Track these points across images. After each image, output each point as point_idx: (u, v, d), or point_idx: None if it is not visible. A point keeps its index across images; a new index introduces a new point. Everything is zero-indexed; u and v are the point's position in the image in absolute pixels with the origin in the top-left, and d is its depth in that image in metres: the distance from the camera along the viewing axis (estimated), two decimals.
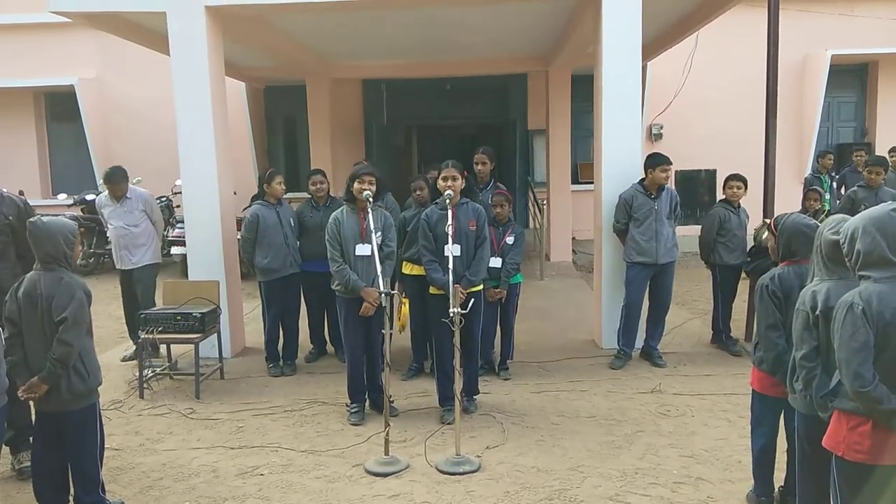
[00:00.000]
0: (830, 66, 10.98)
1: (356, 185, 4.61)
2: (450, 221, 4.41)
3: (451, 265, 4.30)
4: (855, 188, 6.99)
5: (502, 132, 12.86)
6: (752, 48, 9.56)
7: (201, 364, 5.43)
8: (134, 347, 6.09)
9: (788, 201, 6.60)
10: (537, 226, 10.37)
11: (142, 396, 5.33)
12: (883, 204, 2.51)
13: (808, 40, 11.02)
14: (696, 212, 11.23)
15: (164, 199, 10.89)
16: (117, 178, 6.06)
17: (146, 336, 5.32)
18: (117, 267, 6.30)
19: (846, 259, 2.51)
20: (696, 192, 11.69)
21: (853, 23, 11.03)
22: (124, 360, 6.24)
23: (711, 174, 11.53)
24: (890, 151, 8.76)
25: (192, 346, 5.35)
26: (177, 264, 10.08)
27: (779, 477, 3.41)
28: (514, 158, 12.17)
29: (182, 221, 9.46)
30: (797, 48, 10.90)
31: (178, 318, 5.36)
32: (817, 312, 2.68)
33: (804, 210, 6.33)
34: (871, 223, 2.42)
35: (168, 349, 5.88)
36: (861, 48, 11.08)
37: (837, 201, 8.70)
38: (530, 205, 11.66)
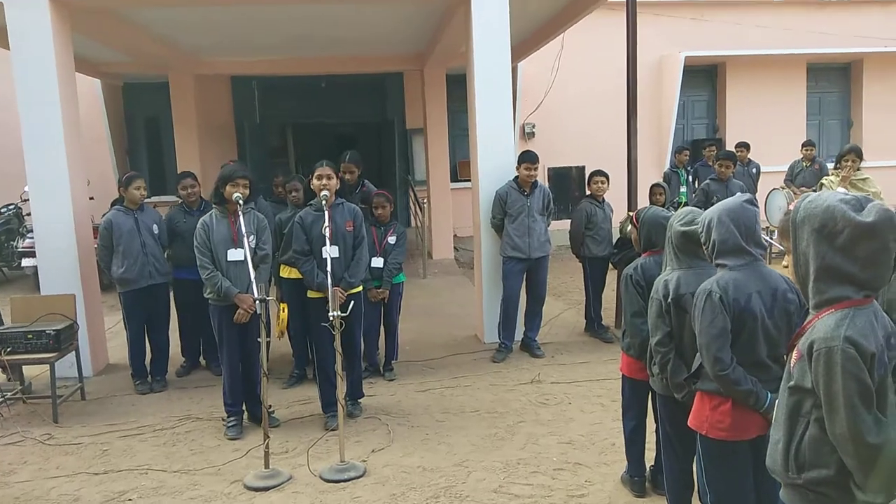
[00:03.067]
0: (684, 66, 11.78)
1: (229, 187, 4.40)
2: (326, 223, 4.31)
3: (329, 267, 4.20)
4: (707, 181, 7.54)
5: (381, 131, 12.79)
6: (613, 50, 10.06)
7: (59, 385, 5.00)
8: None
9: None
10: (419, 224, 10.40)
11: None
12: (736, 195, 2.69)
13: (663, 42, 11.77)
14: (567, 207, 11.69)
15: (12, 206, 9.98)
16: None
17: None
18: None
19: (703, 247, 2.67)
20: (567, 188, 12.19)
21: (704, 27, 11.93)
22: None
23: (581, 170, 12.04)
24: (737, 146, 9.53)
25: (47, 367, 4.91)
26: (28, 278, 9.25)
27: (650, 457, 3.60)
28: (393, 157, 12.15)
29: (33, 231, 8.72)
30: (654, 50, 11.62)
31: (30, 336, 4.92)
32: (669, 300, 2.84)
33: (651, 204, 6.70)
34: (725, 214, 2.57)
35: (20, 371, 5.35)
36: (711, 50, 11.98)
37: (693, 194, 9.36)
38: (411, 203, 11.69)
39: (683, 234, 2.92)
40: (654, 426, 3.49)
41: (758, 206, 2.67)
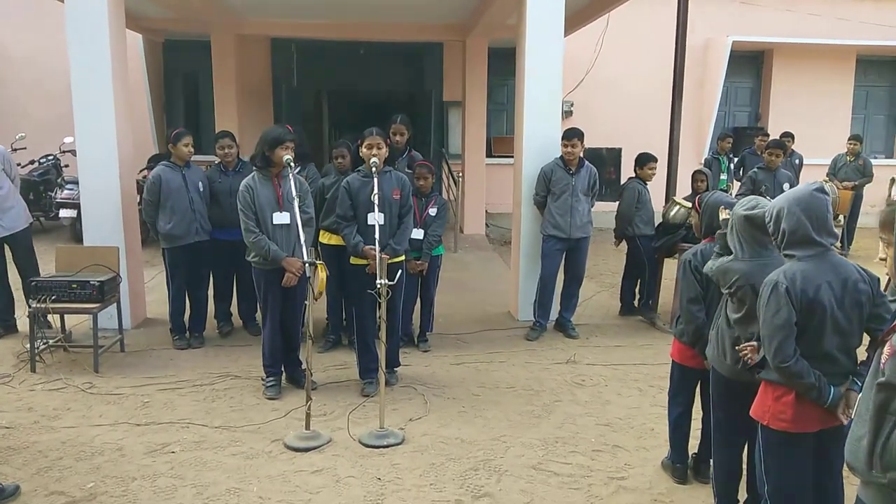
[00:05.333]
0: (731, 52, 11.50)
1: (279, 150, 4.38)
2: (375, 190, 4.29)
3: (377, 234, 4.19)
4: (755, 170, 7.41)
5: (417, 102, 12.69)
6: (658, 31, 9.88)
7: (99, 336, 5.06)
8: None
9: (689, 180, 6.84)
10: (452, 198, 10.34)
11: (33, 370, 4.91)
12: (806, 184, 2.62)
13: (710, 26, 11.49)
14: (600, 189, 11.52)
15: (51, 157, 10.05)
16: None
17: (38, 305, 4.90)
18: None
19: (772, 238, 2.61)
20: (600, 169, 11.97)
21: (753, 11, 11.60)
22: None
23: (616, 152, 11.84)
24: (782, 136, 9.33)
25: (87, 317, 4.98)
26: (65, 228, 9.37)
27: (693, 445, 3.57)
28: (428, 129, 12.03)
29: (71, 182, 8.80)
30: (700, 33, 11.33)
31: (74, 286, 4.98)
32: (725, 290, 2.93)
33: (693, 191, 6.58)
34: (795, 203, 2.51)
35: (62, 320, 5.44)
36: (759, 36, 11.67)
37: (734, 182, 9.21)
38: (444, 177, 11.62)
39: (746, 217, 2.85)
40: (700, 414, 3.47)
41: (828, 195, 2.60)
